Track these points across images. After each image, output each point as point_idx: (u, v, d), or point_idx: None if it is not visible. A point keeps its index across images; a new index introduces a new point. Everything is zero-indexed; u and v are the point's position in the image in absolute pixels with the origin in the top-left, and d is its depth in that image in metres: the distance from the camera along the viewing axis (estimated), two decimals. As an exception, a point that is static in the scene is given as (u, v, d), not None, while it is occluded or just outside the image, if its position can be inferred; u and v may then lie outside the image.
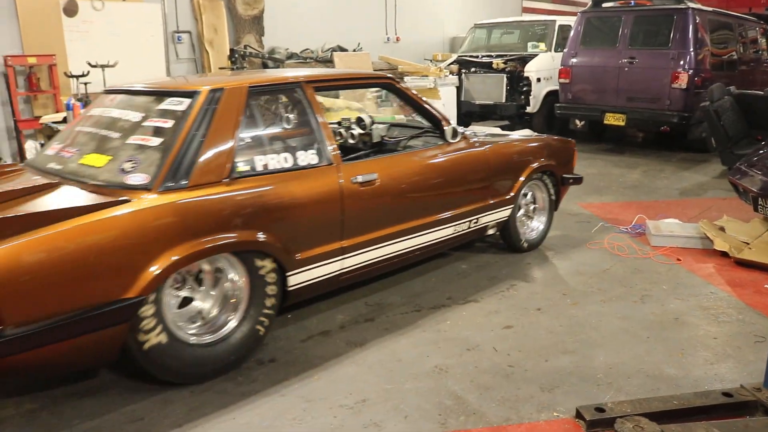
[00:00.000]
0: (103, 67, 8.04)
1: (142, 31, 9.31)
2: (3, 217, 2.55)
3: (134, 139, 3.19)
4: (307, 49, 10.58)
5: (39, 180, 3.20)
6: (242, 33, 10.34)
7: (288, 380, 3.17)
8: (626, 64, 9.05)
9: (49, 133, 7.05)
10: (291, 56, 10.18)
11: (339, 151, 3.64)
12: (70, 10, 8.51)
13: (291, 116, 3.91)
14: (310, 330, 3.71)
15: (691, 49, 8.59)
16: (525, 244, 5.02)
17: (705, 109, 7.36)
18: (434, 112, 4.33)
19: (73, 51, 8.54)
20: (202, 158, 3.06)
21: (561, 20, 11.14)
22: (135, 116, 3.36)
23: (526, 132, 6.36)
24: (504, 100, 10.48)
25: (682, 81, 8.59)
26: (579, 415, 2.83)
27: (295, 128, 3.86)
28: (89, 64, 8.06)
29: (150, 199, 2.86)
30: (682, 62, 8.62)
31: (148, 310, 2.86)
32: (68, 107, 6.97)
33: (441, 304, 4.06)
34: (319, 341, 3.58)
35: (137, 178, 2.96)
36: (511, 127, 9.91)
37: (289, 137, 3.85)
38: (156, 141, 3.11)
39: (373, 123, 4.55)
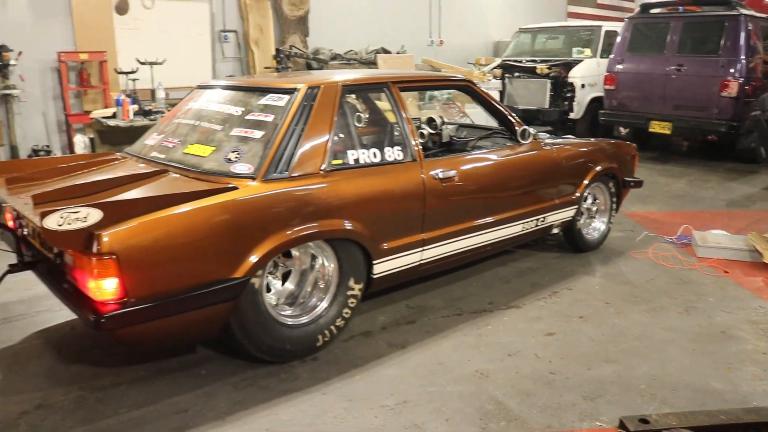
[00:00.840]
0: (151, 64, 8.19)
1: (190, 29, 9.46)
2: (126, 199, 2.80)
3: (237, 131, 3.39)
4: (351, 50, 10.63)
5: (148, 167, 3.44)
6: (287, 33, 10.44)
7: (330, 379, 3.19)
8: (674, 71, 8.90)
9: (98, 128, 7.19)
10: (335, 57, 10.24)
11: (421, 148, 3.80)
12: (122, 8, 8.68)
13: (379, 113, 4.17)
14: (352, 330, 3.72)
15: (742, 57, 8.40)
16: (587, 244, 5.14)
17: (755, 119, 7.21)
18: (508, 113, 4.46)
19: (122, 48, 8.72)
20: (301, 150, 3.24)
21: (607, 26, 11.00)
22: (235, 110, 3.56)
23: (569, 138, 6.32)
24: (547, 106, 10.39)
25: (732, 89, 8.41)
26: (622, 425, 2.79)
27: (383, 125, 4.16)
28: (138, 61, 8.22)
29: (256, 187, 3.04)
30: (732, 70, 8.44)
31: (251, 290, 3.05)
32: (118, 103, 7.11)
33: (482, 309, 4.05)
34: (361, 341, 3.60)
35: (242, 168, 3.14)
36: (554, 133, 9.80)
37: (378, 133, 4.14)
38: (258, 133, 3.29)
39: (443, 123, 4.75)
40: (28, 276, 3.44)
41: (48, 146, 8.15)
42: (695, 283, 4.52)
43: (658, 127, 9.09)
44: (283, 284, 3.44)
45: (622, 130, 10.69)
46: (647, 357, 3.46)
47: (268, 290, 3.30)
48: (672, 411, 2.90)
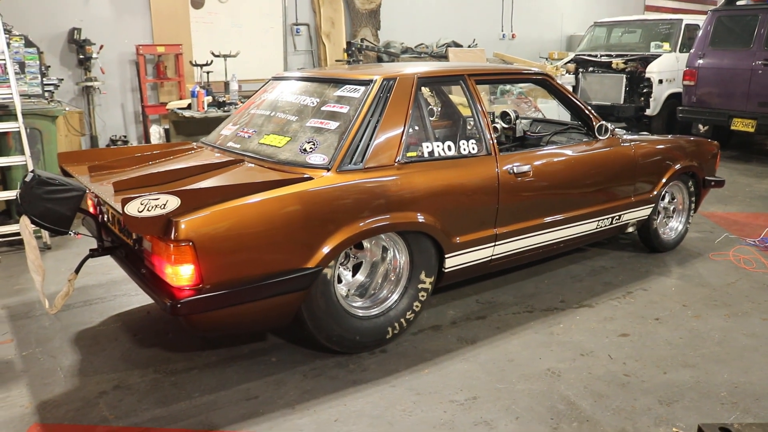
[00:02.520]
0: (225, 56, 8.35)
1: (263, 22, 9.60)
2: (203, 188, 2.84)
3: (312, 122, 3.41)
4: (422, 43, 10.59)
5: (223, 157, 3.50)
6: (359, 26, 10.48)
7: (399, 372, 3.18)
8: (761, 66, 8.48)
9: (174, 119, 7.38)
10: (406, 51, 10.21)
11: (496, 142, 3.74)
12: (197, 2, 8.88)
13: (453, 106, 4.14)
14: (421, 324, 3.70)
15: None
16: (663, 244, 5.00)
17: None
18: (585, 109, 4.35)
19: (197, 41, 8.92)
20: (376, 142, 3.23)
21: (688, 19, 10.60)
22: (311, 101, 3.58)
23: (647, 135, 6.15)
24: (622, 102, 10.09)
25: (823, 86, 7.97)
26: (702, 432, 2.68)
27: (457, 118, 4.14)
28: (212, 53, 8.39)
29: (330, 178, 3.05)
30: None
31: (323, 280, 3.07)
32: (193, 94, 7.27)
33: (554, 307, 3.96)
34: (430, 335, 3.58)
35: (317, 158, 3.15)
36: (628, 130, 9.53)
37: (452, 126, 4.11)
38: (333, 124, 3.30)
39: (517, 117, 4.66)
40: (107, 260, 3.56)
41: (125, 136, 8.41)
42: (780, 288, 4.32)
43: (741, 125, 8.71)
44: (353, 275, 3.45)
45: (701, 128, 10.31)
46: (728, 363, 3.31)
47: (339, 281, 3.31)
48: (756, 421, 2.77)
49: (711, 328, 3.71)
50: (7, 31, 5.53)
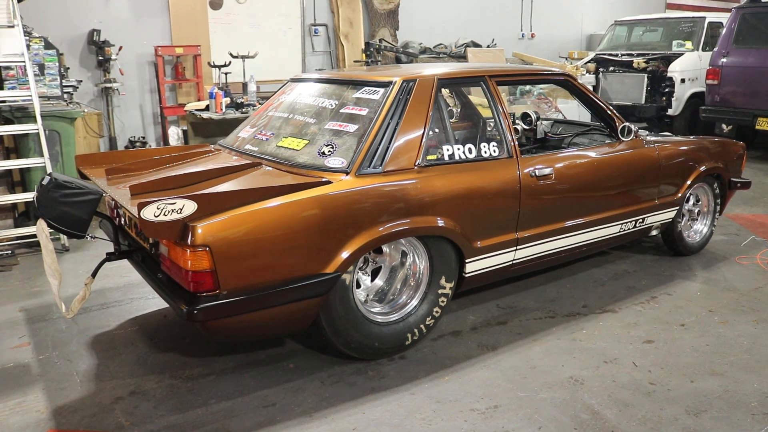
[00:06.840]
0: (243, 57, 8.32)
1: (281, 23, 9.58)
2: (220, 192, 2.81)
3: (330, 125, 3.35)
4: (441, 44, 10.52)
5: (241, 160, 3.47)
6: (377, 27, 10.42)
7: (418, 379, 3.12)
8: (787, 65, 8.34)
9: (192, 120, 7.37)
10: (424, 51, 10.14)
11: (517, 144, 3.68)
12: (216, 3, 8.87)
13: (473, 108, 4.08)
14: (441, 329, 3.64)
15: None
16: (687, 247, 4.90)
17: None
18: (608, 110, 4.27)
19: (216, 42, 8.92)
20: (395, 145, 3.18)
21: (711, 17, 10.43)
22: (329, 103, 3.53)
23: (670, 135, 6.05)
24: (643, 101, 9.96)
25: None
26: (732, 444, 2.60)
27: (478, 120, 4.07)
28: (231, 54, 8.36)
29: (349, 182, 2.99)
30: None
31: (341, 286, 3.03)
32: (211, 96, 7.25)
33: (576, 312, 3.88)
34: (450, 341, 3.52)
35: (336, 162, 3.10)
36: (649, 130, 9.40)
37: (472, 128, 4.05)
38: (352, 127, 3.25)
39: (538, 118, 4.59)
40: (124, 263, 3.53)
41: (144, 138, 8.42)
42: (810, 293, 4.20)
43: (766, 125, 8.56)
44: (372, 280, 3.40)
45: (725, 128, 10.14)
46: (758, 372, 3.22)
47: (358, 286, 3.26)
48: (788, 432, 2.69)
49: (739, 335, 3.62)
50: (27, 33, 5.55)
